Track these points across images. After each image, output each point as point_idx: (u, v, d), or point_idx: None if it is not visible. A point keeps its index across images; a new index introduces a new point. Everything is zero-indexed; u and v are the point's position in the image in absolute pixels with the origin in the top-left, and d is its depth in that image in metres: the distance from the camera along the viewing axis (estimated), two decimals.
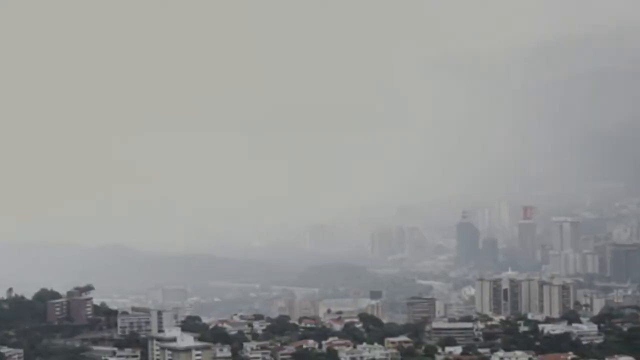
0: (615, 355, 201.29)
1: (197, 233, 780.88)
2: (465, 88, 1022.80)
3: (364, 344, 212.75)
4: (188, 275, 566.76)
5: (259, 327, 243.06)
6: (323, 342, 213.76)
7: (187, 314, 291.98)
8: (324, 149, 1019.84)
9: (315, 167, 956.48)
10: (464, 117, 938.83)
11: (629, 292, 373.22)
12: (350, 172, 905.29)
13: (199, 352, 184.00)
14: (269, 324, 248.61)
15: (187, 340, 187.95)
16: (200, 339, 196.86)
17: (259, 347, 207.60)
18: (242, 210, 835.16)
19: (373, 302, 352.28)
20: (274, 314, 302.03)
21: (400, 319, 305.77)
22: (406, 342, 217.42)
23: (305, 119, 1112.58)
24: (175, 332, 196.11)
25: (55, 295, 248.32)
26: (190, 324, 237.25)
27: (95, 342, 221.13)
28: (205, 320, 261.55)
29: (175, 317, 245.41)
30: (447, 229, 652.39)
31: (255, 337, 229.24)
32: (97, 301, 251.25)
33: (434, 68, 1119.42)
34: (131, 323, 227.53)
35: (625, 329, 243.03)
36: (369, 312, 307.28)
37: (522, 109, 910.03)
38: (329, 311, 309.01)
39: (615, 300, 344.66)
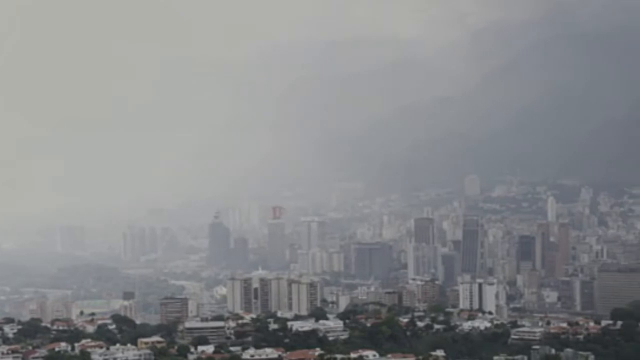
0: (360, 350, 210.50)
1: None
2: (226, 91, 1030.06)
3: (118, 345, 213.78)
4: None
5: (10, 331, 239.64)
6: (76, 345, 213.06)
7: None
8: (75, 148, 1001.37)
9: (66, 167, 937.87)
10: (224, 120, 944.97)
11: (373, 289, 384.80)
12: (102, 173, 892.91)
13: None
14: (20, 327, 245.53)
15: None
16: None
17: (10, 352, 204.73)
18: None
19: (126, 303, 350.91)
20: (26, 317, 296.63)
21: (154, 320, 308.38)
22: (159, 342, 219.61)
23: (57, 117, 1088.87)
24: None
25: None
26: None
27: None
28: None
29: None
30: (199, 229, 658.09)
31: (7, 341, 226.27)
32: None
33: (194, 70, 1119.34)
34: None
35: (369, 324, 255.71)
36: (122, 313, 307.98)
37: (279, 112, 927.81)
38: (82, 313, 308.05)
39: (360, 297, 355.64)
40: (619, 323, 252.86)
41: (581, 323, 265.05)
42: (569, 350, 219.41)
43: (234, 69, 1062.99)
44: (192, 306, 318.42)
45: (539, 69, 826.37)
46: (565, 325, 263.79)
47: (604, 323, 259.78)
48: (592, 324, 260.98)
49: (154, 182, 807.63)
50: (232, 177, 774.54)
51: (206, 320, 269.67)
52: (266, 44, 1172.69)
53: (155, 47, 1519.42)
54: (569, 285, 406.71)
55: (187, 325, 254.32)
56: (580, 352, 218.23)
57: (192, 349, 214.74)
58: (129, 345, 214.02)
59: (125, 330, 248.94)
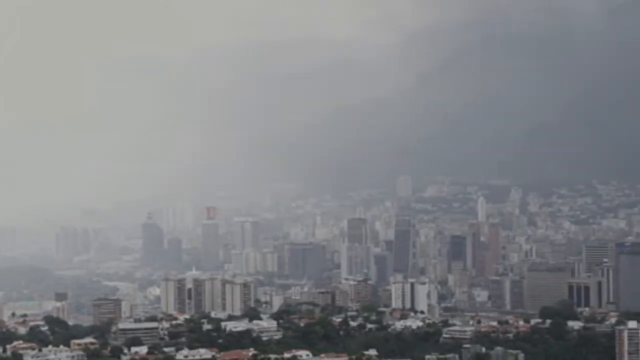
0: (293, 350, 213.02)
1: None
2: (158, 91, 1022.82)
3: (50, 347, 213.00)
4: None
5: None
6: (7, 346, 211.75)
7: None
8: (6, 148, 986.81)
9: None
10: (157, 120, 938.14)
11: (306, 289, 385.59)
12: (32, 172, 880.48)
13: None
14: None
15: None
16: None
17: None
18: None
19: (58, 304, 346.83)
20: None
21: (87, 321, 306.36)
22: (92, 343, 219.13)
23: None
24: None
25: None
26: None
27: None
28: None
29: None
30: (132, 230, 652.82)
31: None
32: None
33: (125, 70, 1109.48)
34: None
35: (302, 324, 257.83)
36: (55, 315, 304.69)
37: (212, 112, 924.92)
38: (13, 315, 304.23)
39: (293, 297, 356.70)
40: (548, 321, 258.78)
41: (511, 322, 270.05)
42: (499, 349, 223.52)
43: (168, 68, 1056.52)
44: (125, 307, 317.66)
45: (472, 71, 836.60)
46: (495, 323, 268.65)
47: (533, 321, 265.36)
48: (521, 323, 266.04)
49: (86, 182, 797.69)
50: (166, 177, 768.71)
51: (139, 320, 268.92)
52: (200, 44, 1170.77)
53: (86, 47, 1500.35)
54: (498, 284, 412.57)
55: (120, 326, 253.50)
56: (510, 350, 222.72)
57: (125, 350, 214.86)
58: (61, 346, 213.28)
59: (57, 332, 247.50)
